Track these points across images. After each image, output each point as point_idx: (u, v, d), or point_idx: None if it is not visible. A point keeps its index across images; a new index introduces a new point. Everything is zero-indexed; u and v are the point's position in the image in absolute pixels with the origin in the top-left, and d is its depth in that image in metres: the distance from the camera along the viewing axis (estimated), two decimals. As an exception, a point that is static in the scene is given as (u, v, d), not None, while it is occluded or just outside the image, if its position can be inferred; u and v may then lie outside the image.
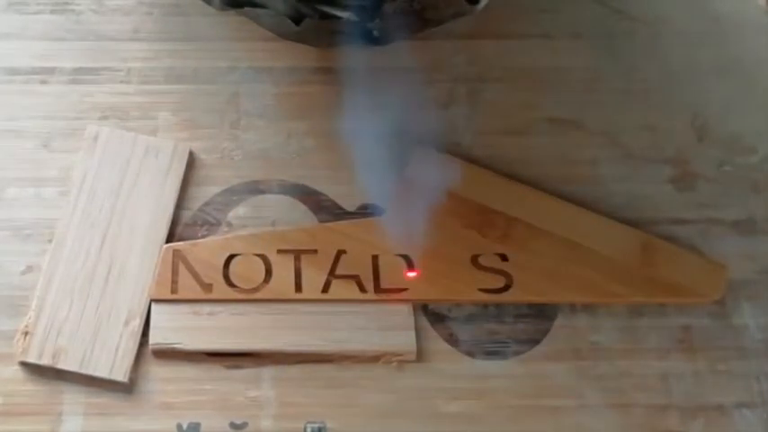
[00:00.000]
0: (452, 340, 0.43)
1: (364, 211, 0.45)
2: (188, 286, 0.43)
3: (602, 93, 0.49)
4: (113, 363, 0.41)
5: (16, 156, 0.46)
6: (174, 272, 0.43)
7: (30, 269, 0.43)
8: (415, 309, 0.43)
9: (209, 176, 0.46)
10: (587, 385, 0.42)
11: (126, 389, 0.41)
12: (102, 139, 0.46)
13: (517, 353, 0.43)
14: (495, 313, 0.43)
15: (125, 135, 0.46)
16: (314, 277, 0.43)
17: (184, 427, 0.40)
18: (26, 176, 0.45)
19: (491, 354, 0.42)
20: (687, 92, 0.50)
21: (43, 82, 0.48)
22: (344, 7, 0.42)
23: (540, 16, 0.51)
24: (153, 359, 0.42)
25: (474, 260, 0.44)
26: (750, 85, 0.50)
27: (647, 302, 0.44)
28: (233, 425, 0.40)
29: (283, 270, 0.43)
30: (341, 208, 0.45)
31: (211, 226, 0.45)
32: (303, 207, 0.46)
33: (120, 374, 0.41)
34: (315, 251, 0.44)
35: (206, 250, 0.44)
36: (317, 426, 0.41)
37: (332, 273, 0.43)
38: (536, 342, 0.43)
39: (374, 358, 0.42)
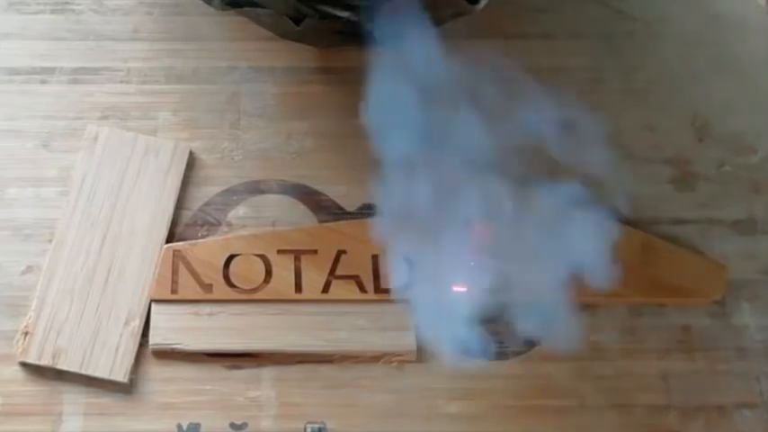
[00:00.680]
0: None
1: (364, 211, 0.45)
2: (188, 286, 0.43)
3: (603, 93, 0.49)
4: (113, 363, 0.41)
5: (16, 156, 0.46)
6: (174, 272, 0.43)
7: (30, 269, 0.43)
8: (415, 309, 0.43)
9: (209, 176, 0.46)
10: (587, 385, 0.42)
11: (126, 389, 0.41)
12: (102, 139, 0.46)
13: (517, 353, 0.43)
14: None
15: (125, 135, 0.46)
16: (314, 277, 0.43)
17: (184, 427, 0.40)
18: (26, 176, 0.45)
19: (491, 354, 0.42)
20: (687, 92, 0.50)
21: (43, 82, 0.48)
22: (344, 7, 0.42)
23: (540, 16, 0.51)
24: (153, 359, 0.42)
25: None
26: (750, 85, 0.50)
27: (647, 302, 0.44)
28: (233, 425, 0.40)
29: (283, 270, 0.43)
30: (341, 208, 0.45)
31: (211, 226, 0.45)
32: (303, 207, 0.45)
33: (120, 375, 0.41)
34: (315, 251, 0.44)
35: (206, 250, 0.44)
36: (317, 426, 0.41)
37: (332, 273, 0.43)
38: (536, 342, 0.43)
39: (374, 358, 0.42)
